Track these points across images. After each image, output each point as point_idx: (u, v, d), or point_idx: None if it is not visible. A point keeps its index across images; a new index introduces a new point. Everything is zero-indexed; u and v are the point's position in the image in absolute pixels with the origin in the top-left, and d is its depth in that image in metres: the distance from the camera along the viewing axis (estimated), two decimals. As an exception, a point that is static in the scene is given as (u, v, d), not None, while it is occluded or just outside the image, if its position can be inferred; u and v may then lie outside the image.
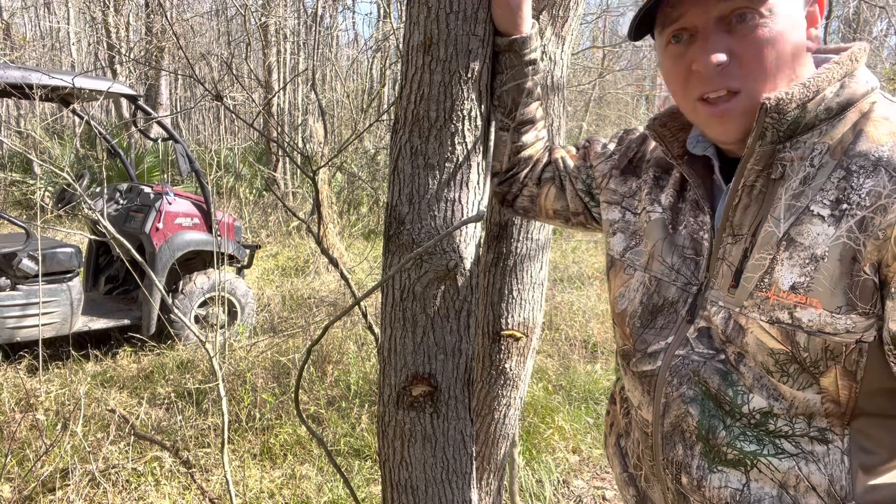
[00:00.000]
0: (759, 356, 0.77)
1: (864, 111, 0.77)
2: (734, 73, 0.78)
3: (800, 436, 0.78)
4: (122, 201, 4.43)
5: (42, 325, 3.63)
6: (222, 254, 4.15)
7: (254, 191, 9.98)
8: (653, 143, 1.04)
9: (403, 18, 1.81)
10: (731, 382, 0.81)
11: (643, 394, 0.92)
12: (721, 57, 0.77)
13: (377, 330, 1.38)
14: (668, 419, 0.88)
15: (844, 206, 0.72)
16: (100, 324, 3.99)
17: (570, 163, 1.15)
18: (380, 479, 2.11)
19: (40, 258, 3.54)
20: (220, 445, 2.82)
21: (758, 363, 0.78)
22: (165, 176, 9.33)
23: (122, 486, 2.55)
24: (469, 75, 1.00)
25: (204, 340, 1.92)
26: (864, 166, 0.73)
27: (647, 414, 0.92)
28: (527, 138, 1.15)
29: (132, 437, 2.72)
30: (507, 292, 1.48)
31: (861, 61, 0.79)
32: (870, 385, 0.74)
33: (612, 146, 1.11)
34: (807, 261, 0.73)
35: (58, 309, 3.73)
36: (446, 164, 1.02)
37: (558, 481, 2.82)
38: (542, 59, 1.35)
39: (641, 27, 0.87)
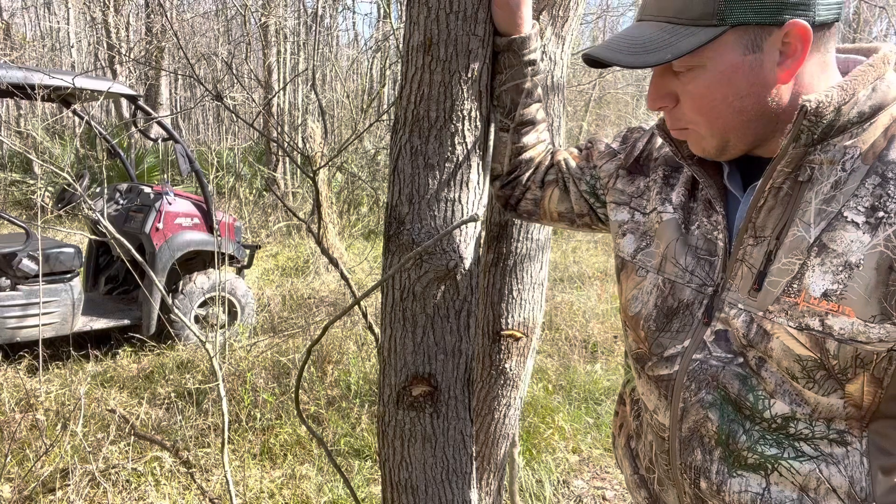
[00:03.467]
0: (784, 362, 0.76)
1: (894, 116, 0.76)
2: (679, 116, 0.83)
3: (819, 438, 0.78)
4: (122, 201, 4.43)
5: (42, 325, 3.63)
6: (222, 254, 4.15)
7: (254, 191, 9.99)
8: (659, 141, 1.03)
9: (403, 18, 1.81)
10: (751, 387, 0.80)
11: (659, 398, 0.91)
12: (661, 102, 0.83)
13: (377, 330, 1.38)
14: (686, 424, 0.87)
15: (881, 213, 0.71)
16: (100, 324, 3.99)
17: (574, 164, 1.14)
18: (380, 479, 2.11)
19: (40, 258, 3.54)
20: (220, 445, 2.82)
21: (781, 368, 0.77)
22: (165, 176, 9.34)
23: (122, 486, 2.55)
24: (469, 75, 1.00)
25: (204, 340, 1.92)
26: None
27: (663, 418, 0.91)
28: (527, 139, 1.15)
29: (132, 437, 2.72)
30: (507, 292, 1.48)
31: (891, 64, 0.78)
32: (893, 390, 0.74)
33: (615, 145, 1.10)
34: (840, 268, 0.72)
35: (58, 309, 3.73)
36: (446, 164, 1.02)
37: (558, 481, 2.82)
38: (541, 60, 1.35)
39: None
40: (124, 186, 4.59)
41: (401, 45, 1.30)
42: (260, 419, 3.14)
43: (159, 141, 4.46)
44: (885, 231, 0.71)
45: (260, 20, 10.15)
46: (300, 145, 9.49)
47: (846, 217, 0.73)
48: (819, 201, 0.76)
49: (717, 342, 0.84)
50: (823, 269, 0.74)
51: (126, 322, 4.08)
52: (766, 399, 0.79)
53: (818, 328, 0.73)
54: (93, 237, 2.86)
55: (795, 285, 0.76)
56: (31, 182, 9.44)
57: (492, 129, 1.12)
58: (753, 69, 0.76)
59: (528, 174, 1.18)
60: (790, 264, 0.77)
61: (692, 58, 0.76)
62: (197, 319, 4.29)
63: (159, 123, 3.97)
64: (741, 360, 0.81)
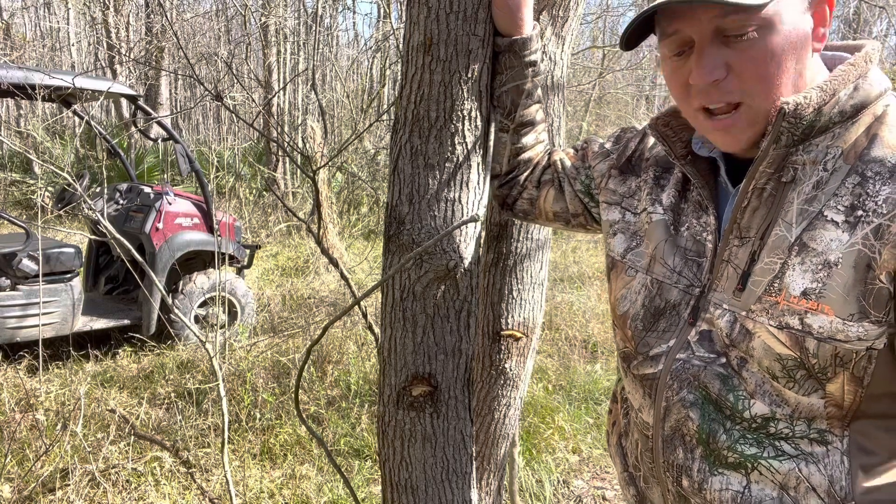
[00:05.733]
0: (765, 361, 0.77)
1: (877, 114, 0.75)
2: (732, 88, 0.77)
3: (799, 437, 0.78)
4: (122, 201, 4.43)
5: (42, 325, 3.63)
6: (222, 254, 4.15)
7: (254, 191, 9.99)
8: (651, 141, 1.03)
9: (403, 18, 1.81)
10: (731, 387, 0.81)
11: (644, 397, 0.92)
12: (715, 74, 0.76)
13: (377, 330, 1.38)
14: (668, 423, 0.88)
15: (860, 212, 0.71)
16: (100, 324, 3.99)
17: (569, 164, 1.14)
18: (380, 479, 2.11)
19: (40, 258, 3.54)
20: (220, 445, 2.82)
21: (762, 368, 0.77)
22: (165, 176, 9.34)
23: (122, 486, 2.55)
24: (469, 75, 1.00)
25: (204, 340, 1.92)
26: (880, 172, 0.72)
27: (647, 417, 0.92)
28: (526, 140, 1.15)
29: (132, 437, 2.72)
30: (507, 292, 1.48)
31: (874, 62, 0.78)
32: (874, 389, 0.74)
33: (609, 145, 1.10)
34: (819, 267, 0.73)
35: (58, 309, 3.73)
36: (446, 164, 1.02)
37: (558, 481, 2.82)
38: (541, 61, 1.35)
39: (636, 35, 0.86)
40: (124, 186, 4.59)
41: (401, 45, 1.29)
42: (260, 419, 3.13)
43: (159, 141, 4.46)
44: (863, 230, 0.71)
45: (260, 20, 10.15)
46: (300, 145, 9.49)
47: (826, 216, 0.74)
48: (801, 201, 0.76)
49: (700, 342, 0.84)
50: (803, 268, 0.74)
51: (126, 322, 4.08)
52: (746, 399, 0.80)
53: (798, 327, 0.74)
54: (93, 237, 2.86)
55: (776, 284, 0.76)
56: (31, 182, 9.45)
57: (492, 129, 1.13)
58: (804, 28, 0.76)
59: (525, 174, 1.19)
60: (772, 264, 0.77)
61: (752, 16, 0.73)
62: (197, 319, 4.29)
63: (159, 123, 3.97)
64: (723, 360, 0.82)
